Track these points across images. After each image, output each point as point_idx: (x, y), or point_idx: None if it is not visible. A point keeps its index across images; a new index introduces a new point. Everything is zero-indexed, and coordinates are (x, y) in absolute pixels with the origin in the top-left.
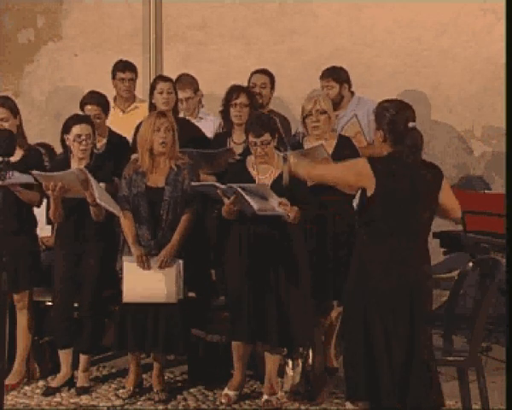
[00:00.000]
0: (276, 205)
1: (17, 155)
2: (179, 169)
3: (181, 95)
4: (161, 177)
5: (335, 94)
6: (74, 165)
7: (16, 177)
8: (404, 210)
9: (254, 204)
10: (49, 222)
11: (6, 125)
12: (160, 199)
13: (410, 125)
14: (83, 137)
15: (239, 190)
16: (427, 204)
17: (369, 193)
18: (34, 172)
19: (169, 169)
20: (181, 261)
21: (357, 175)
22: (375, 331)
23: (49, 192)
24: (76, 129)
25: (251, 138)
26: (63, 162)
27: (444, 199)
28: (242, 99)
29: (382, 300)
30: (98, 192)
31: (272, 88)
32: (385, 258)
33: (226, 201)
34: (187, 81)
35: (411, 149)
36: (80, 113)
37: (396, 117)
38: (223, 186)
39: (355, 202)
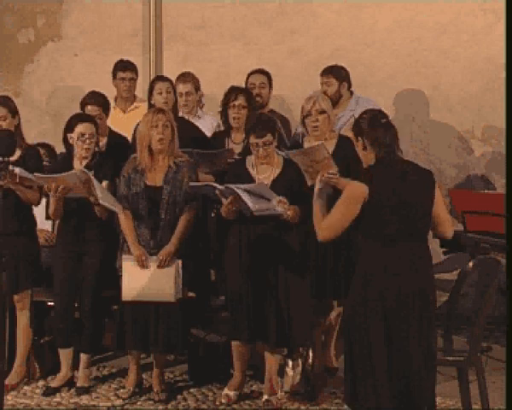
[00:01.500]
0: (275, 204)
1: (15, 155)
2: (178, 167)
3: (182, 88)
4: (160, 175)
5: (334, 91)
6: (77, 164)
7: (19, 172)
8: (401, 212)
9: (252, 205)
10: (47, 218)
11: (4, 124)
12: (159, 198)
13: (383, 120)
14: (86, 136)
15: (236, 190)
16: (423, 205)
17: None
18: (36, 174)
19: (168, 167)
20: (179, 261)
21: (357, 201)
22: (379, 336)
23: (51, 194)
24: (79, 128)
25: (253, 140)
26: (65, 162)
27: (437, 210)
28: (240, 100)
29: (386, 304)
30: (100, 193)
31: (270, 87)
32: (388, 262)
33: (224, 201)
34: (189, 76)
35: (387, 144)
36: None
37: (370, 119)
38: (221, 187)
39: None
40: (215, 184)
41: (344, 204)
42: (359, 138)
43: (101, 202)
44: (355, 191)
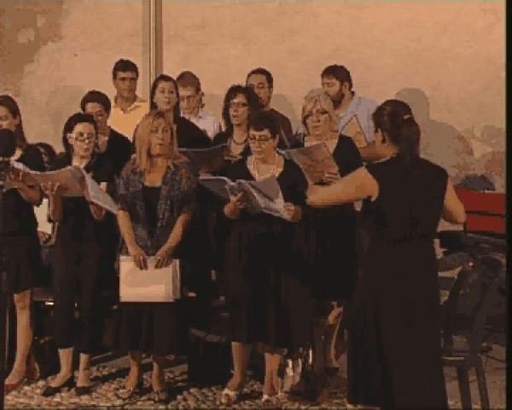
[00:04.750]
0: (281, 206)
1: (16, 155)
2: (176, 168)
3: (182, 92)
4: (158, 176)
5: (336, 91)
6: (76, 164)
7: (23, 167)
8: (411, 213)
9: (261, 202)
10: (49, 220)
11: (4, 124)
12: (157, 198)
13: (406, 116)
14: (85, 136)
15: (249, 187)
16: (434, 205)
17: (373, 198)
18: (32, 172)
19: (166, 168)
20: (177, 261)
21: (359, 188)
22: (387, 335)
23: (48, 192)
24: (78, 127)
25: (251, 132)
26: (64, 162)
27: (449, 202)
28: (240, 99)
29: (393, 304)
30: (92, 190)
31: (270, 87)
32: (394, 262)
33: (232, 198)
34: (189, 79)
35: (409, 142)
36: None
37: (392, 114)
38: (232, 183)
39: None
40: (226, 179)
41: (346, 182)
42: (379, 130)
43: (92, 199)
44: (361, 178)
